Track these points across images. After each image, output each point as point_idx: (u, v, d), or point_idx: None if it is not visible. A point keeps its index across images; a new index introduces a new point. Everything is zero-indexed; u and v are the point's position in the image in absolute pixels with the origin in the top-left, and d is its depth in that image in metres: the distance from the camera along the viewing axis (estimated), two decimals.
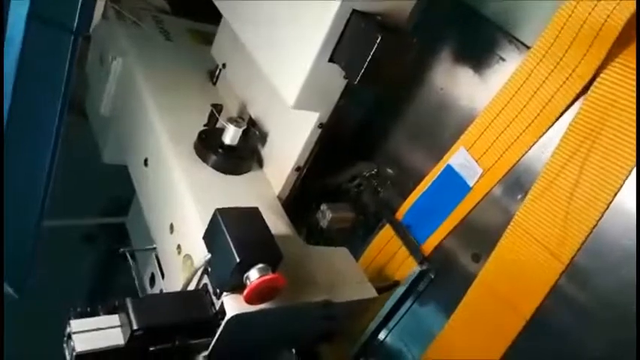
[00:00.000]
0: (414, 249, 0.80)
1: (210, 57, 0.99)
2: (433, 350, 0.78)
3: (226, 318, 0.58)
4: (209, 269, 0.63)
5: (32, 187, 0.66)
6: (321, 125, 0.73)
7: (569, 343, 0.65)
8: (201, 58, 1.03)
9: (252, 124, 0.84)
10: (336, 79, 0.69)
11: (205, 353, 0.61)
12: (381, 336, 0.88)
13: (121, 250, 0.77)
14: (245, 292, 0.57)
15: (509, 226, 0.68)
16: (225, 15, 0.82)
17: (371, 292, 0.75)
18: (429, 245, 0.79)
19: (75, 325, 0.56)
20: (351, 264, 0.79)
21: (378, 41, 0.59)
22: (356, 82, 0.63)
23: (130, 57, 0.94)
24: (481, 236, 0.74)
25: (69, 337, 0.55)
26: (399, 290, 0.82)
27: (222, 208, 0.62)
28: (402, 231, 0.82)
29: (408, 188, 0.82)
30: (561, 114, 0.64)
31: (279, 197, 0.80)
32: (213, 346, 0.61)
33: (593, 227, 0.61)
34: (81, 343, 0.55)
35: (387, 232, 0.84)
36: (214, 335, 0.61)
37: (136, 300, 0.58)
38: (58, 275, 1.58)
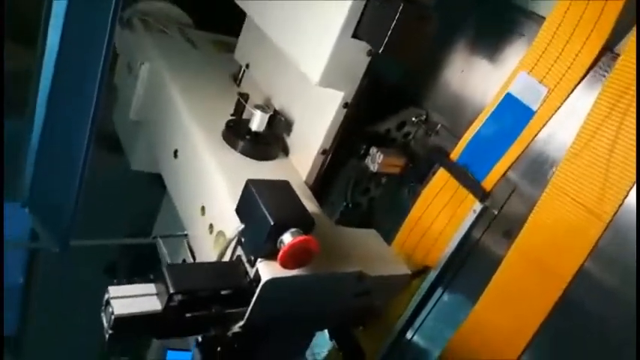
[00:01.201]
0: (473, 186, 0.75)
1: (233, 63, 1.03)
2: (466, 327, 0.76)
3: (262, 282, 0.58)
4: (242, 239, 0.63)
5: (77, 134, 0.67)
6: (346, 105, 0.75)
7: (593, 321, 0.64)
8: (224, 65, 1.07)
9: (277, 114, 0.86)
10: (359, 56, 0.71)
11: (241, 323, 0.61)
12: (416, 323, 0.86)
13: (153, 236, 0.78)
14: (279, 254, 0.58)
15: (546, 190, 0.67)
16: (246, 8, 0.86)
17: (404, 270, 0.75)
18: (489, 181, 0.74)
19: (113, 290, 0.56)
20: (381, 244, 0.79)
21: (400, 9, 0.61)
22: (380, 51, 0.64)
23: (158, 61, 0.98)
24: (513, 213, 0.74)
25: (107, 303, 0.56)
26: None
27: (254, 179, 0.64)
28: (459, 170, 0.77)
29: (459, 131, 0.79)
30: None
31: (305, 182, 0.81)
32: (249, 315, 0.60)
33: (633, 184, 0.61)
34: (120, 307, 0.55)
35: (441, 176, 0.80)
36: (249, 304, 0.61)
37: (172, 266, 0.59)
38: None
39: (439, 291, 0.83)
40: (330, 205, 0.90)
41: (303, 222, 0.60)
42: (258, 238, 0.60)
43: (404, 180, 0.87)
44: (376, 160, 0.81)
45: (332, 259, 0.66)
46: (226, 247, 0.65)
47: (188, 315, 0.58)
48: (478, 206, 0.74)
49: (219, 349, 0.58)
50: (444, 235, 0.80)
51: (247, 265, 0.62)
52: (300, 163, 0.82)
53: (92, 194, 1.62)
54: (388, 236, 0.85)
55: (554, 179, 0.66)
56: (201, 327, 0.59)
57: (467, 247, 0.79)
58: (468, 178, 0.76)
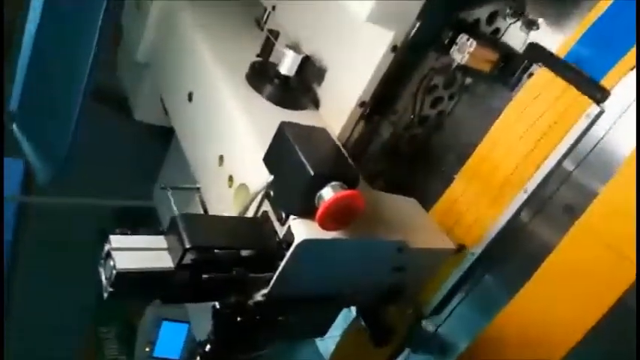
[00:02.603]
0: (589, 85, 0.61)
1: (256, 7, 0.92)
2: (507, 313, 0.67)
3: (295, 243, 0.49)
4: (271, 193, 0.53)
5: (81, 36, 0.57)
6: (394, 48, 0.64)
7: None
8: (246, 7, 0.95)
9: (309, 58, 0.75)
10: None
11: (265, 291, 0.51)
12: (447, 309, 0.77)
13: (162, 186, 0.68)
14: (318, 211, 0.48)
15: (621, 166, 0.58)
16: None
17: (448, 243, 0.65)
18: (609, 79, 0.61)
19: (115, 240, 0.46)
20: (423, 214, 0.69)
21: None
22: None
23: None
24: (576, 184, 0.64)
25: (107, 255, 0.46)
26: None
27: (288, 122, 0.53)
28: (569, 68, 0.63)
29: (567, 25, 0.66)
30: None
31: (339, 139, 0.71)
32: (275, 282, 0.51)
33: None
34: (122, 260, 0.45)
35: (542, 76, 0.66)
36: (277, 269, 0.51)
37: (187, 216, 0.49)
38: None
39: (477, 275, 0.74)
40: (393, 116, 0.74)
41: (348, 175, 0.50)
42: (291, 191, 0.50)
43: (493, 80, 0.71)
44: (466, 48, 0.64)
45: (371, 225, 0.56)
46: (250, 202, 0.55)
47: (204, 276, 0.48)
48: (593, 110, 0.61)
49: (239, 318, 0.49)
50: (525, 167, 0.67)
51: (276, 224, 0.52)
52: (333, 116, 0.72)
53: (89, 151, 1.53)
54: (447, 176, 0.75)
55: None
56: (219, 292, 0.50)
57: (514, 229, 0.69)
58: (581, 76, 0.61)
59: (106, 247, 0.46)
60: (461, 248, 0.74)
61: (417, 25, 0.63)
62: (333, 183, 0.49)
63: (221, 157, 0.64)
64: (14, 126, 0.66)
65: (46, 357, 1.57)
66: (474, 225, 0.73)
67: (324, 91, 0.74)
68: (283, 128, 0.52)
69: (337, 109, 0.71)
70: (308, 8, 0.78)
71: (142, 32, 0.91)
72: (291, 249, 0.49)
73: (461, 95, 0.76)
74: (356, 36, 0.68)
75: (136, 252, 0.46)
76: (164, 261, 0.47)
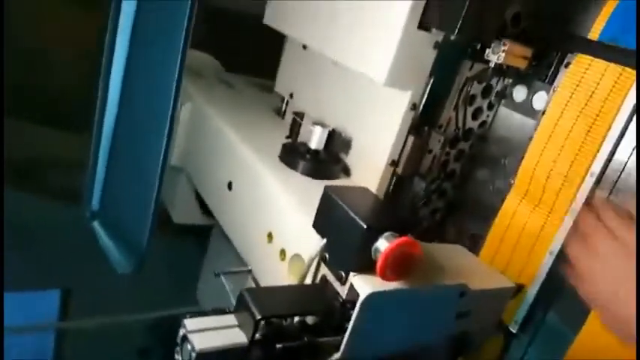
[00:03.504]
0: (631, 55, 0.60)
1: (273, 99, 0.99)
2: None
3: (360, 298, 0.49)
4: (326, 256, 0.55)
5: (152, 139, 0.61)
6: (413, 106, 0.69)
7: None
8: (264, 101, 1.03)
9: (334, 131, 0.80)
10: (426, 50, 0.65)
11: (337, 355, 0.51)
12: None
13: (216, 273, 0.70)
14: (378, 263, 0.49)
15: None
16: (289, 31, 0.83)
17: (506, 282, 0.65)
18: None
19: (190, 324, 0.48)
20: (472, 257, 0.69)
21: None
22: (454, 35, 0.59)
23: (199, 100, 0.94)
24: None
25: (184, 339, 0.47)
26: None
27: (331, 186, 0.56)
28: (605, 47, 0.63)
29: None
30: None
31: None
32: (346, 343, 0.51)
33: None
34: (201, 341, 0.46)
35: (579, 63, 0.64)
36: (345, 331, 0.51)
37: (253, 289, 0.50)
38: None
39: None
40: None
41: (400, 224, 0.52)
42: (347, 249, 0.52)
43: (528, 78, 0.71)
44: (500, 47, 0.65)
45: (429, 275, 0.57)
46: (307, 269, 0.56)
47: (278, 346, 0.48)
48: None
49: None
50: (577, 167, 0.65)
51: (337, 285, 0.53)
52: (366, 179, 0.75)
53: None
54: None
55: None
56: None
57: None
58: (621, 50, 0.60)
59: (182, 332, 0.47)
60: (520, 288, 0.73)
61: (432, 80, 0.68)
62: (387, 234, 0.50)
63: (269, 235, 0.66)
64: (95, 223, 0.70)
65: None
66: (528, 262, 0.73)
67: (351, 159, 0.78)
68: (328, 191, 0.55)
69: (369, 171, 0.74)
70: (325, 88, 0.84)
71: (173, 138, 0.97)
72: (358, 304, 0.49)
73: (499, 103, 0.77)
74: (375, 102, 0.73)
75: (210, 332, 0.47)
76: (238, 337, 0.48)
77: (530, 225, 0.71)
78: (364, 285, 0.50)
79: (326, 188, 0.56)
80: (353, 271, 0.51)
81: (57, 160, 1.35)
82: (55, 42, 1.16)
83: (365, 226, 0.50)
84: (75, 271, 1.48)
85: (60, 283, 1.58)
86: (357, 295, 0.50)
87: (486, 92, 0.75)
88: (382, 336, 0.54)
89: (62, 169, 1.35)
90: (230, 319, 0.50)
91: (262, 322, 0.48)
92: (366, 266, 0.51)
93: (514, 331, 0.73)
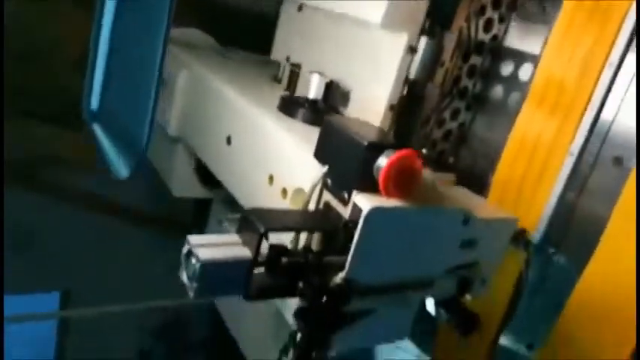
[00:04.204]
0: None
1: (269, 69, 1.00)
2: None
3: (363, 214, 0.49)
4: (328, 182, 0.55)
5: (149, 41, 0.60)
6: (411, 49, 0.69)
7: None
8: (261, 70, 1.03)
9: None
10: None
11: (342, 274, 0.51)
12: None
13: (219, 219, 0.69)
14: (381, 177, 0.49)
15: None
16: None
17: (510, 216, 0.65)
18: None
19: (194, 240, 0.47)
20: (477, 197, 0.69)
21: None
22: None
23: (195, 66, 0.95)
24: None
25: (188, 254, 0.47)
26: None
27: (332, 116, 0.56)
28: None
29: None
30: None
31: None
32: (351, 261, 0.50)
33: None
34: (205, 253, 0.46)
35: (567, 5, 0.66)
36: (349, 252, 0.51)
37: (255, 209, 0.50)
38: None
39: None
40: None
41: (398, 143, 0.52)
42: (349, 170, 0.52)
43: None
44: None
45: (432, 200, 0.57)
46: (310, 196, 0.56)
47: (283, 260, 0.48)
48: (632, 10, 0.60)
49: (324, 299, 0.48)
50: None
51: (339, 207, 0.53)
52: None
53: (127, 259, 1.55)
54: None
55: None
56: (298, 278, 0.49)
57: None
58: None
59: (186, 248, 0.47)
60: (522, 232, 0.73)
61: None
62: (388, 151, 0.51)
63: (270, 177, 0.66)
64: (95, 125, 0.69)
65: None
66: (530, 208, 0.73)
67: (350, 111, 0.79)
68: (329, 120, 0.55)
69: (368, 118, 0.74)
70: (322, 44, 0.84)
71: (171, 107, 0.98)
72: (361, 220, 0.49)
73: (510, 17, 0.77)
74: (372, 51, 0.74)
75: (214, 247, 0.47)
76: (243, 252, 0.48)
77: (547, 131, 0.71)
78: (367, 201, 0.50)
79: (327, 118, 0.56)
80: (356, 191, 0.51)
81: (58, 159, 1.35)
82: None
83: (366, 143, 0.50)
84: (74, 273, 1.48)
85: (59, 285, 1.58)
86: (360, 211, 0.50)
87: (497, 2, 0.74)
88: (385, 258, 0.54)
89: (63, 168, 1.35)
90: (234, 238, 0.50)
91: (267, 243, 0.47)
92: (369, 186, 0.51)
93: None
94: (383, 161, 0.50)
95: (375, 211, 0.49)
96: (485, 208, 0.65)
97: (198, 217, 1.37)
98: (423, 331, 0.95)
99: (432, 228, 0.56)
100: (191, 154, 1.03)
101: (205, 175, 1.06)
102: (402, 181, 0.49)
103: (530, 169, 0.74)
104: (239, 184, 0.75)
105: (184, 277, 0.47)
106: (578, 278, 0.69)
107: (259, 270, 0.49)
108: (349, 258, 0.50)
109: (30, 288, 1.45)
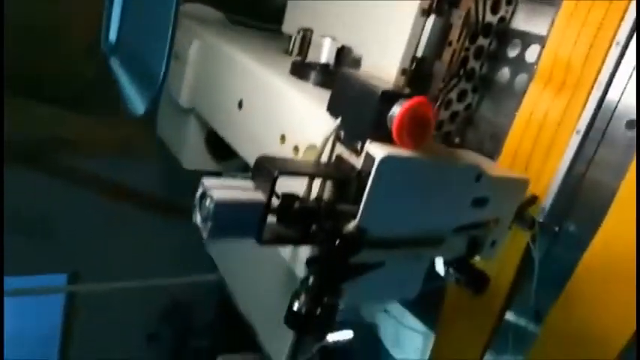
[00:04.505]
0: None
1: (280, 45, 1.00)
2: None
3: (376, 162, 0.49)
4: (341, 134, 0.55)
5: None
6: (424, 12, 0.69)
7: None
8: (272, 44, 1.04)
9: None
10: None
11: (354, 223, 0.51)
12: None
13: (229, 173, 0.70)
14: (394, 124, 0.49)
15: None
16: None
17: (522, 176, 0.65)
18: None
19: (208, 182, 0.48)
20: (488, 160, 0.70)
21: None
22: None
23: (206, 36, 0.95)
24: None
25: (202, 196, 0.47)
26: None
27: (346, 70, 0.57)
28: None
29: None
30: None
31: None
32: (363, 210, 0.51)
33: None
34: (220, 193, 0.46)
35: None
36: (361, 201, 0.51)
37: (269, 156, 0.51)
38: None
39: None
40: None
41: (411, 94, 0.52)
42: (362, 119, 0.52)
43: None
44: None
45: (444, 156, 0.57)
46: (322, 149, 0.56)
47: (296, 206, 0.48)
48: None
49: (337, 243, 0.48)
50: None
51: (352, 158, 0.54)
52: None
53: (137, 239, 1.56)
54: None
55: None
56: (310, 225, 0.50)
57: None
58: None
59: (200, 190, 0.48)
60: (534, 199, 0.73)
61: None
62: (402, 100, 0.51)
63: (282, 136, 0.67)
64: (112, 59, 0.70)
65: None
66: (537, 183, 0.73)
67: None
68: (344, 73, 0.56)
69: None
70: (332, 15, 0.85)
71: (182, 78, 0.98)
72: (374, 168, 0.49)
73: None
74: (384, 15, 0.74)
75: (228, 189, 0.48)
76: (256, 195, 0.48)
77: (553, 110, 0.72)
78: (380, 150, 0.50)
79: (341, 72, 0.56)
80: (369, 140, 0.52)
81: (67, 141, 1.36)
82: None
83: (380, 92, 0.50)
84: (82, 256, 1.49)
85: (67, 267, 1.59)
86: (373, 159, 0.50)
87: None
88: (396, 210, 0.54)
89: (72, 150, 1.36)
90: (248, 184, 0.50)
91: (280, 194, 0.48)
92: (382, 136, 0.51)
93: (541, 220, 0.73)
94: (397, 109, 0.50)
95: (387, 160, 0.50)
96: (496, 168, 0.65)
97: None
98: (427, 309, 0.96)
99: (444, 182, 0.56)
100: (202, 125, 1.03)
101: (216, 147, 1.07)
102: (416, 129, 0.50)
103: (536, 148, 0.75)
104: (251, 146, 0.75)
105: (198, 220, 0.48)
106: (587, 245, 0.70)
107: (272, 219, 0.50)
108: (361, 206, 0.51)
109: (37, 270, 1.47)
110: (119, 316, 1.61)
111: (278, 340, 0.89)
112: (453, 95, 0.81)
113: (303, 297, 0.49)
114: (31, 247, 1.37)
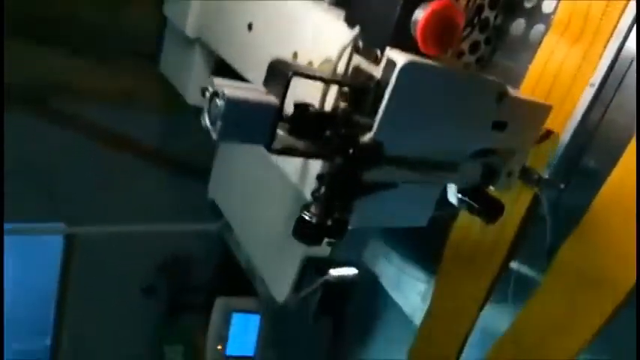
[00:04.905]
0: None
1: None
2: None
3: (397, 68, 0.46)
4: (359, 43, 0.52)
5: None
6: None
7: None
8: None
9: None
10: None
11: (370, 135, 0.49)
12: None
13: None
14: (419, 26, 0.46)
15: None
16: None
17: (544, 102, 0.62)
18: None
19: (219, 81, 0.45)
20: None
21: None
22: None
23: None
24: None
25: (213, 96, 0.45)
26: None
27: None
28: None
29: None
30: None
31: None
32: (380, 120, 0.48)
33: None
34: (231, 91, 0.43)
35: None
36: (378, 113, 0.48)
37: (283, 60, 0.48)
38: None
39: None
40: None
41: None
42: (383, 25, 0.49)
43: None
44: None
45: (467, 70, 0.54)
46: (338, 59, 0.53)
47: (311, 109, 0.46)
48: None
49: (352, 151, 0.46)
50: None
51: (370, 67, 0.51)
52: None
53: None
54: None
55: None
56: (325, 131, 0.47)
57: None
58: None
59: (209, 90, 0.45)
60: (549, 133, 0.71)
61: None
62: (424, 4, 0.47)
63: (295, 54, 0.63)
64: None
65: None
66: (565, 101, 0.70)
67: None
68: None
69: None
70: None
71: (189, 6, 0.94)
72: (395, 74, 0.47)
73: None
74: None
75: (240, 90, 0.45)
76: (269, 98, 0.45)
77: (569, 61, 0.69)
78: (401, 56, 0.47)
79: None
80: (389, 47, 0.49)
81: (69, 87, 1.32)
82: None
83: None
84: (80, 206, 1.47)
85: (64, 217, 1.57)
86: (394, 65, 0.47)
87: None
88: (414, 126, 0.51)
89: (76, 97, 1.32)
90: (260, 87, 0.47)
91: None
92: (404, 44, 0.48)
93: (546, 177, 0.71)
94: (420, 14, 0.47)
95: (409, 66, 0.47)
96: (518, 92, 0.62)
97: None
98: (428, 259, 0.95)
99: (465, 99, 0.53)
100: (208, 57, 1.00)
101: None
102: (442, 32, 0.47)
103: (549, 99, 0.72)
104: (261, 69, 0.72)
105: (207, 122, 0.45)
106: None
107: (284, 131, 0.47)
108: (378, 117, 0.48)
109: (34, 217, 1.45)
110: (116, 267, 1.60)
111: (282, 276, 0.88)
112: (465, 46, 0.77)
113: (313, 207, 0.47)
114: (28, 195, 1.35)
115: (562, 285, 0.72)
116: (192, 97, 1.06)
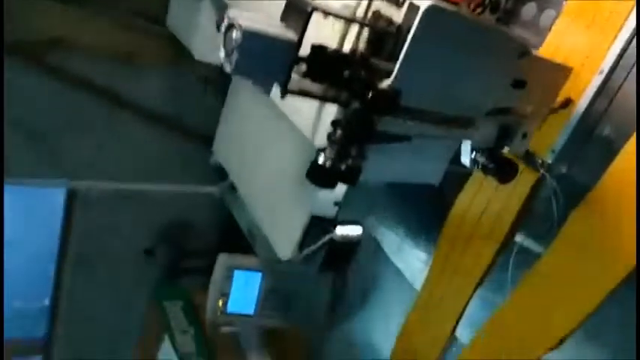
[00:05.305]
0: None
1: None
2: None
3: (420, 12, 0.45)
4: None
5: None
6: None
7: None
8: None
9: None
10: None
11: (389, 81, 0.47)
12: None
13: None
14: None
15: None
16: None
17: (565, 65, 0.61)
18: None
19: (234, 13, 0.43)
20: None
21: None
22: None
23: None
24: None
25: (229, 27, 0.43)
26: None
27: None
28: None
29: None
30: None
31: None
32: (400, 65, 0.46)
33: None
34: (248, 23, 0.42)
35: None
36: (398, 59, 0.47)
37: None
38: None
39: None
40: None
41: None
42: None
43: None
44: None
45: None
46: (358, 2, 0.51)
47: (330, 50, 0.44)
48: None
49: (370, 94, 0.44)
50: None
51: (392, 11, 0.49)
52: None
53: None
54: None
55: None
56: (342, 73, 0.46)
57: None
58: None
59: (225, 22, 0.43)
60: (568, 102, 0.69)
61: None
62: None
63: None
64: None
65: (112, 332, 1.54)
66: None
67: None
68: None
69: None
70: None
71: None
72: (418, 18, 0.45)
73: None
74: None
75: (258, 22, 0.43)
76: (288, 34, 0.44)
77: (579, 47, 0.67)
78: (424, 0, 0.45)
79: None
80: None
81: (71, 42, 1.29)
82: None
83: None
84: (84, 166, 1.46)
85: (66, 175, 1.55)
86: (417, 9, 0.45)
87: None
88: (433, 76, 0.50)
89: (77, 53, 1.29)
90: (278, 22, 0.46)
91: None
92: None
93: (550, 161, 0.71)
94: None
95: (432, 10, 0.45)
96: (539, 53, 0.61)
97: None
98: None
99: (487, 50, 0.52)
100: (216, 8, 0.97)
101: None
102: None
103: None
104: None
105: (222, 54, 0.44)
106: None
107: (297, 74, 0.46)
108: (398, 64, 0.47)
109: (36, 175, 1.43)
110: (118, 229, 1.60)
111: (287, 234, 0.87)
112: None
113: (328, 151, 0.46)
114: (28, 152, 1.34)
115: (567, 257, 0.72)
116: (198, 52, 1.04)
